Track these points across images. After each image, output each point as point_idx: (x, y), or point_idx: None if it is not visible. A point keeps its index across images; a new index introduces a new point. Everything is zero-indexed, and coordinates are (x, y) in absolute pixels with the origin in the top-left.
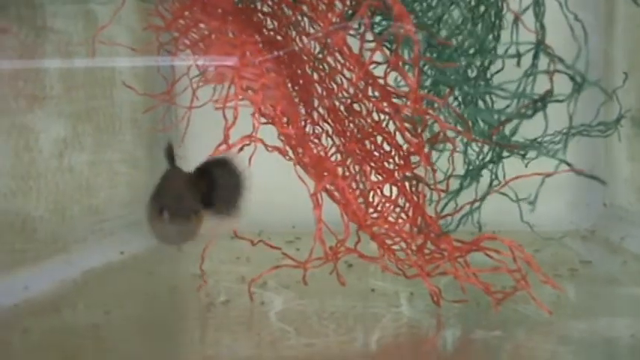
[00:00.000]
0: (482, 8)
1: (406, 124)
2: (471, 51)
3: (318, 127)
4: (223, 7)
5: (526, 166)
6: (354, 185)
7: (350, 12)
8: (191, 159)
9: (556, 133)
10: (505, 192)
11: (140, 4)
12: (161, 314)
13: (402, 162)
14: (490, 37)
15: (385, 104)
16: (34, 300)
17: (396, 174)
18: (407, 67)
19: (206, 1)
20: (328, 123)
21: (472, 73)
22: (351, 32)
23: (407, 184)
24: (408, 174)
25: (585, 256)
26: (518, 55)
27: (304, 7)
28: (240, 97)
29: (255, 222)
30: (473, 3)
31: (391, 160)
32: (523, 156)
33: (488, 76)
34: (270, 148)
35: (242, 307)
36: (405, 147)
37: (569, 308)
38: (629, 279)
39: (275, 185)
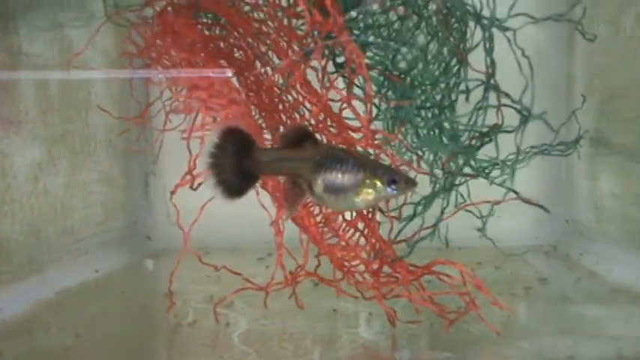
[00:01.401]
0: (434, 45)
1: None
2: (425, 86)
3: None
4: (193, 38)
5: (490, 184)
6: (315, 210)
7: (308, 49)
8: (166, 177)
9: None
10: (471, 208)
11: (117, 28)
12: (129, 336)
13: None
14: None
15: (340, 138)
16: (8, 322)
17: None
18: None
19: (176, 31)
20: None
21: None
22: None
23: (363, 211)
24: None
25: (544, 273)
26: (467, 91)
27: (267, 42)
28: (207, 127)
29: (227, 238)
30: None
31: None
32: (487, 175)
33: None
34: None
35: (208, 329)
36: None
37: (518, 328)
38: (579, 297)
39: (248, 201)
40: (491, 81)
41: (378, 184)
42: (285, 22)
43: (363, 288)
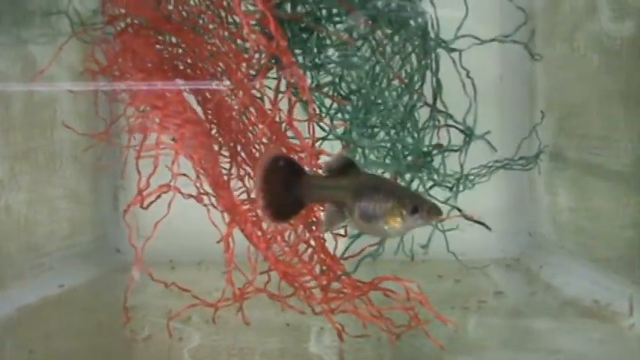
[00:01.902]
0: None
1: None
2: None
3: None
4: (150, 58)
5: (455, 198)
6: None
7: (254, 72)
8: (135, 191)
9: (481, 167)
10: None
11: (82, 44)
12: (82, 352)
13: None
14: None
15: None
16: None
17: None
18: None
19: (134, 51)
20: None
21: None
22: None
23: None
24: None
25: (501, 286)
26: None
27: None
28: (162, 146)
29: (193, 252)
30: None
31: None
32: (450, 189)
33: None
34: (186, 196)
35: (161, 344)
36: None
37: (463, 342)
38: (531, 311)
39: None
40: (436, 101)
41: (404, 212)
42: (233, 45)
43: (314, 303)
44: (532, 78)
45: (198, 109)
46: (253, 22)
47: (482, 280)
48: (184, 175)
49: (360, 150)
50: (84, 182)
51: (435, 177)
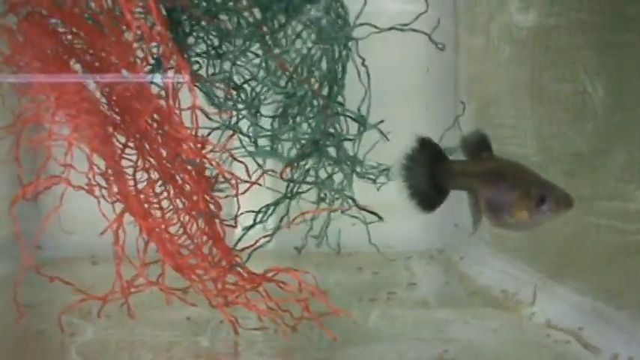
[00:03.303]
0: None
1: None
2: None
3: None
4: (50, 47)
5: (378, 189)
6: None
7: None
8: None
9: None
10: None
11: None
12: None
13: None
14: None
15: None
16: None
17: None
18: None
19: (33, 42)
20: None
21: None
22: None
23: (203, 220)
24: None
25: (418, 278)
26: (303, 97)
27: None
28: (54, 137)
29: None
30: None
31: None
32: (374, 181)
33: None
34: (76, 188)
35: (52, 339)
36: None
37: (358, 334)
38: (438, 301)
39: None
40: (332, 91)
41: (530, 203)
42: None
43: (211, 296)
44: (456, 68)
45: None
46: (137, 9)
47: (401, 272)
48: (70, 165)
49: (252, 140)
50: (1, 176)
51: (359, 169)
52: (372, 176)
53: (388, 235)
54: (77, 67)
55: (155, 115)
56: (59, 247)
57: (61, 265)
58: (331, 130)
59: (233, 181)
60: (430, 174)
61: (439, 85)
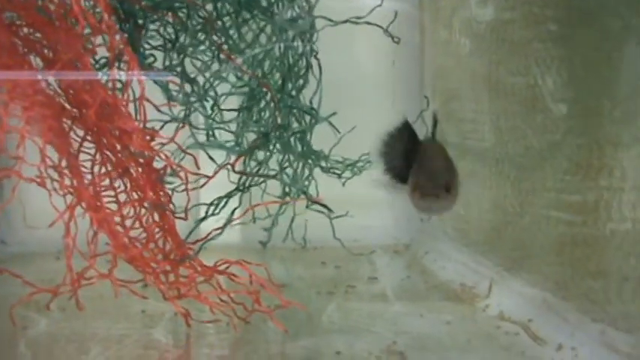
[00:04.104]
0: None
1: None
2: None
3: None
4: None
5: (343, 185)
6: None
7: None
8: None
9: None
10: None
11: None
12: None
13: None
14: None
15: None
16: None
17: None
18: None
19: None
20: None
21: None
22: None
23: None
24: (149, 203)
25: (380, 272)
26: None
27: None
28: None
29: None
30: None
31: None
32: (339, 175)
33: None
34: (27, 180)
35: (3, 333)
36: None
37: (310, 327)
38: (396, 295)
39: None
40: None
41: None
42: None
43: (164, 289)
44: (422, 63)
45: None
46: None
47: (364, 266)
48: (21, 158)
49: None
50: None
51: (324, 163)
52: (337, 171)
53: (355, 229)
54: (34, 60)
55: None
56: (24, 242)
57: (24, 260)
58: (282, 123)
59: (182, 174)
60: (404, 152)
61: (405, 78)
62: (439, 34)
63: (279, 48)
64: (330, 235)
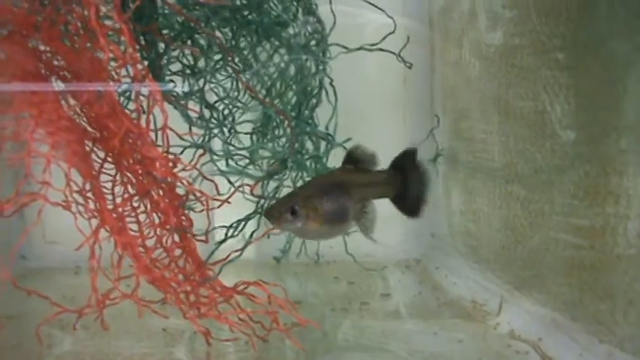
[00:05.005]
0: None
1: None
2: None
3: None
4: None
5: None
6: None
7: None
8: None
9: None
10: None
11: None
12: None
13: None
14: None
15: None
16: None
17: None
18: None
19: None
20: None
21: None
22: None
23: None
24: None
25: (392, 288)
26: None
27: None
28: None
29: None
30: None
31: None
32: None
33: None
34: (54, 204)
35: (29, 351)
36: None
37: (328, 345)
38: (409, 312)
39: None
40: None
41: None
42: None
43: (185, 308)
44: (432, 82)
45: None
46: (110, 33)
47: (377, 282)
48: (47, 183)
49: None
50: None
51: None
52: None
53: (367, 244)
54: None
55: (129, 135)
56: (43, 257)
57: (44, 275)
58: (299, 148)
59: (203, 199)
60: None
61: (417, 97)
62: (450, 54)
63: (295, 72)
64: (342, 251)
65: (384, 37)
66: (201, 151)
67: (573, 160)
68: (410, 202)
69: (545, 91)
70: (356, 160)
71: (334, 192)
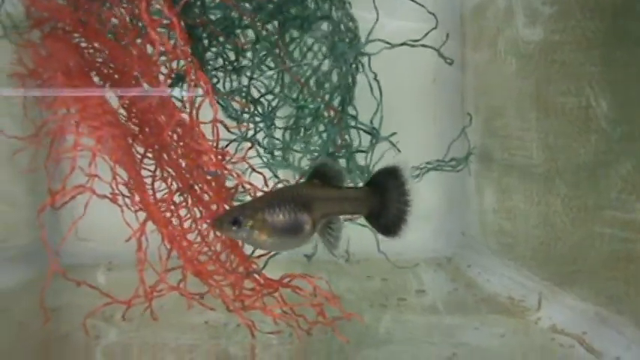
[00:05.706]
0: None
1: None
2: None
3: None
4: (72, 62)
5: None
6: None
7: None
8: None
9: (413, 168)
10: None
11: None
12: None
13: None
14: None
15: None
16: None
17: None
18: None
19: (57, 55)
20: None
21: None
22: None
23: None
24: None
25: (426, 285)
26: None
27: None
28: (80, 148)
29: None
30: None
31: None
32: None
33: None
34: (101, 197)
35: (77, 342)
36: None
37: (371, 338)
38: (447, 308)
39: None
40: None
41: None
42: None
43: (228, 301)
44: (463, 80)
45: (123, 112)
46: (160, 28)
47: (410, 279)
48: (95, 175)
49: (268, 151)
50: (20, 185)
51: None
52: None
53: (397, 243)
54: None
55: (176, 128)
56: (76, 254)
57: (77, 271)
58: (343, 142)
59: (252, 192)
60: None
61: (446, 96)
62: (483, 52)
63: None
64: (371, 249)
65: (425, 34)
66: (248, 144)
67: (620, 155)
68: (386, 220)
69: (590, 86)
70: (322, 175)
71: (288, 205)
